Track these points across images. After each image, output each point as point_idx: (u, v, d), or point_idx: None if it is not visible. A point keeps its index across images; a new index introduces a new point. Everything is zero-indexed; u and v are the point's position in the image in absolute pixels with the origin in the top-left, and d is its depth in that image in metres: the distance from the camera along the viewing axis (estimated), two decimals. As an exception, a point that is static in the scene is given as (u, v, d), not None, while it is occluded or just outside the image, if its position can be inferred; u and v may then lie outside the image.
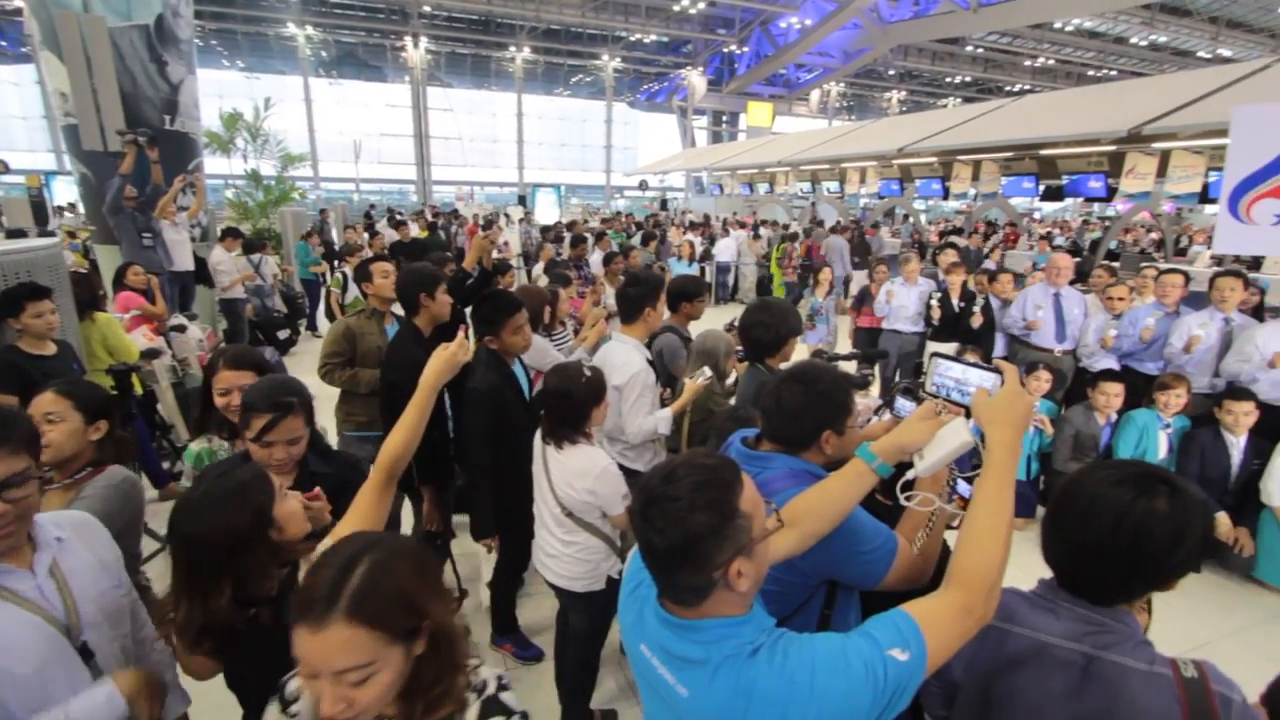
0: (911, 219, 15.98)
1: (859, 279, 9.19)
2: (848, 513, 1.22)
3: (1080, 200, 12.47)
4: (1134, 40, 26.76)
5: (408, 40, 24.90)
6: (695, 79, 28.52)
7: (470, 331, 3.07)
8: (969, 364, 1.32)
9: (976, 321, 5.11)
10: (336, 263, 9.31)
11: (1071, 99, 11.62)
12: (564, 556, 2.19)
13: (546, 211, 20.17)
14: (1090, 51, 28.04)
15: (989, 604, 0.98)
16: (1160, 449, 3.72)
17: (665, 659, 0.97)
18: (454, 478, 2.89)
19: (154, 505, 3.84)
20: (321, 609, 0.84)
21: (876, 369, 5.95)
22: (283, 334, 7.54)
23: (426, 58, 25.98)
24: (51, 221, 11.92)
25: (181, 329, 4.92)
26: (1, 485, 1.10)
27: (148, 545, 2.85)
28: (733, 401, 2.89)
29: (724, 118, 33.35)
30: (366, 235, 10.96)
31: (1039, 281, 5.10)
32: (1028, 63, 30.36)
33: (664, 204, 23.09)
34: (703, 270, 10.62)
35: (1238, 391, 3.63)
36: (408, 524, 3.26)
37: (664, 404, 2.84)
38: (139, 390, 4.06)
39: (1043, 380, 4.16)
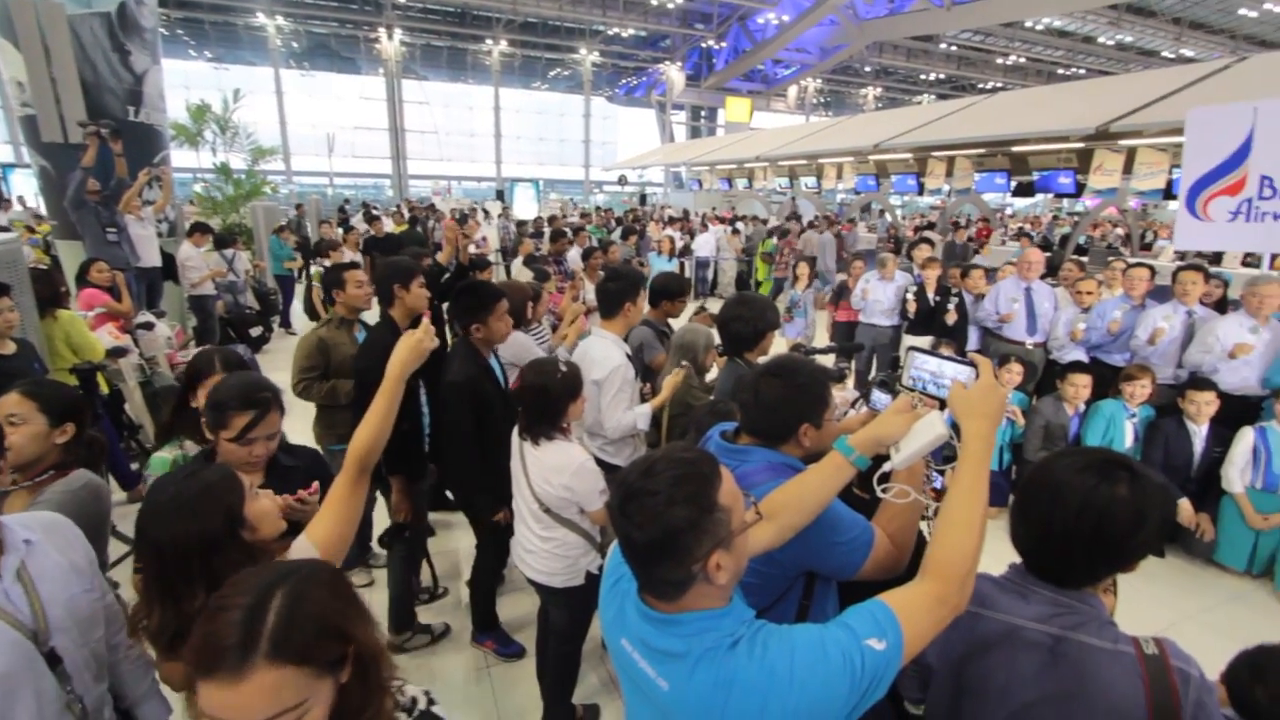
0: (888, 215, 16.19)
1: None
2: (826, 505, 1.23)
3: (1051, 196, 12.75)
4: (1101, 40, 27.41)
5: (381, 32, 24.44)
6: (673, 74, 28.48)
7: (434, 319, 3.05)
8: (944, 357, 1.34)
9: (951, 317, 5.20)
10: (314, 258, 9.15)
11: (1042, 97, 11.84)
12: (542, 552, 2.19)
13: (525, 206, 20.04)
14: (1060, 50, 28.65)
15: (963, 593, 1.00)
16: (1126, 438, 3.82)
17: (646, 653, 0.98)
18: (428, 475, 2.86)
19: (124, 508, 3.75)
20: (236, 657, 0.75)
21: (853, 362, 6.03)
22: (255, 331, 7.39)
23: (401, 50, 25.53)
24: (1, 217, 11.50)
25: (149, 326, 4.79)
26: None
27: (118, 548, 2.78)
28: (712, 396, 2.90)
29: (702, 113, 33.39)
30: (340, 230, 10.78)
31: (1010, 275, 5.20)
32: (1000, 61, 30.91)
33: (643, 199, 23.06)
34: (682, 266, 10.63)
35: (1199, 382, 3.74)
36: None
37: (644, 399, 2.84)
38: (105, 389, 3.96)
39: (1015, 373, 4.25)
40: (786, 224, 11.97)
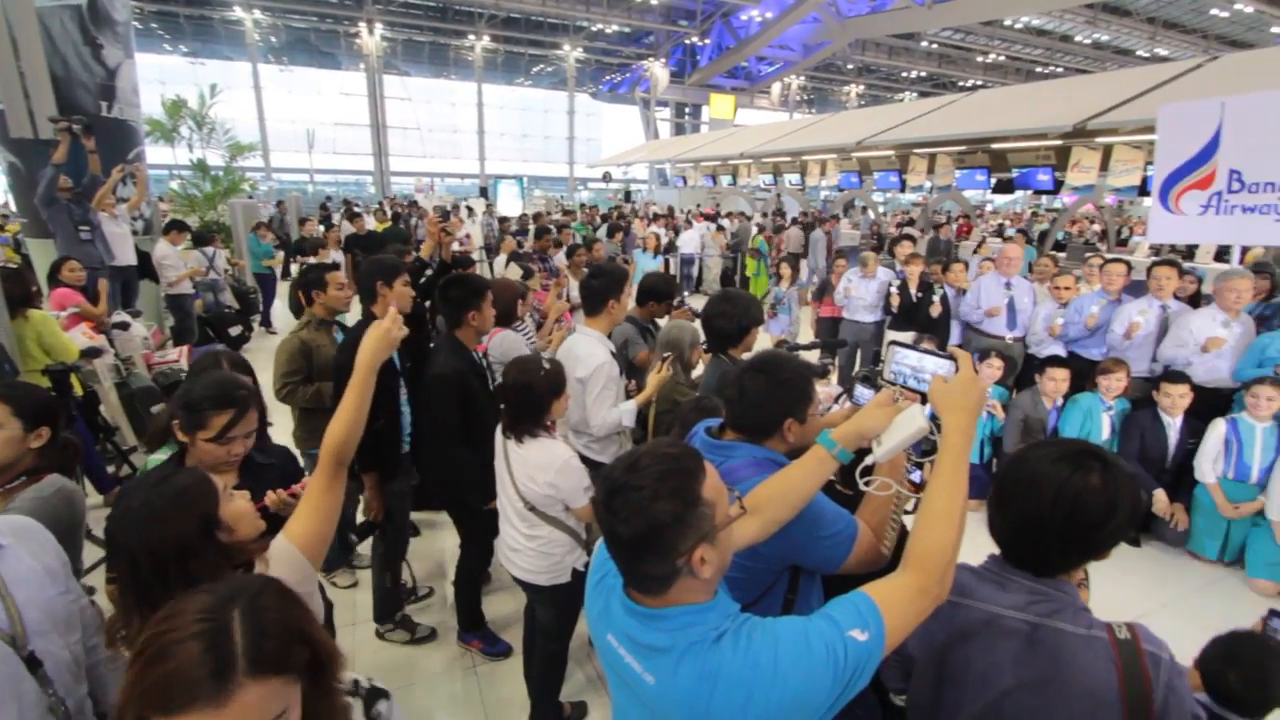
0: (871, 211, 16.31)
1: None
2: (809, 499, 1.24)
3: (1030, 193, 12.92)
4: (1079, 38, 27.85)
5: (362, 26, 24.14)
6: (657, 70, 28.45)
7: (416, 316, 3.03)
8: (925, 352, 1.35)
9: (936, 310, 5.26)
10: (295, 256, 9.01)
11: (1021, 94, 11.99)
12: (528, 550, 2.19)
13: (510, 203, 19.90)
14: (1038, 49, 29.06)
15: (944, 584, 1.02)
16: (1103, 430, 3.89)
17: (632, 648, 0.98)
18: (404, 474, 2.84)
19: (100, 511, 3.68)
20: (213, 686, 0.72)
21: (836, 358, 6.08)
22: (235, 330, 7.26)
23: (382, 45, 25.24)
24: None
25: (124, 326, 4.70)
26: None
27: (95, 552, 2.72)
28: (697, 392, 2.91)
29: (686, 109, 33.40)
30: (321, 227, 10.65)
31: (991, 271, 5.27)
32: (979, 59, 31.27)
33: (628, 195, 23.03)
34: (667, 263, 10.64)
35: (1173, 375, 3.82)
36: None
37: (629, 396, 2.84)
38: (79, 391, 3.87)
39: (995, 367, 4.31)
40: (780, 222, 12.02)
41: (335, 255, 7.95)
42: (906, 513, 1.49)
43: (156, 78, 20.88)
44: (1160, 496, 3.71)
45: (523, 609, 2.59)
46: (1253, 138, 3.58)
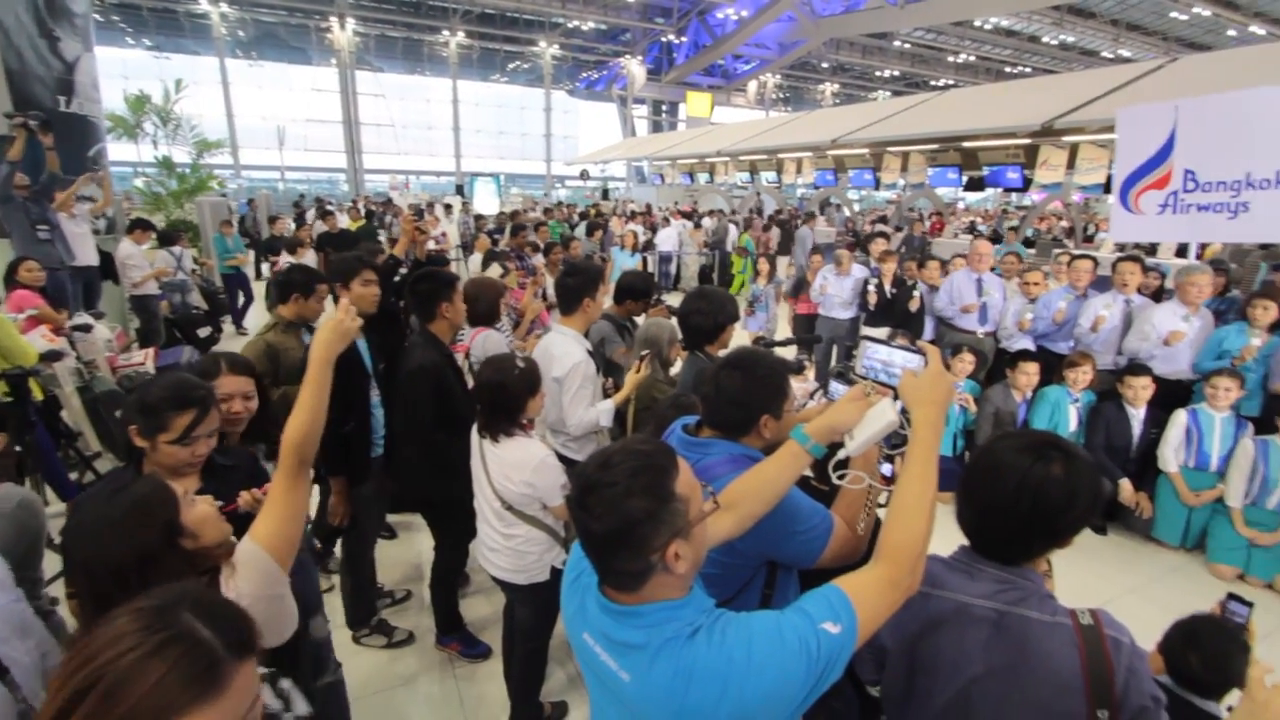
0: (845, 209, 16.50)
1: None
2: (784, 493, 1.25)
3: (1000, 190, 13.19)
4: (1046, 39, 28.51)
5: (333, 21, 23.69)
6: (634, 68, 28.43)
7: (389, 315, 2.99)
8: (895, 346, 1.37)
9: (914, 305, 5.34)
10: (265, 255, 8.81)
11: (990, 94, 12.23)
12: (505, 550, 2.17)
13: (486, 201, 19.73)
14: (1007, 49, 29.69)
15: (915, 575, 1.03)
16: (1071, 422, 3.99)
17: (607, 646, 0.98)
18: (373, 479, 2.80)
19: (61, 520, 3.56)
20: (209, 677, 0.73)
21: (813, 354, 6.14)
22: (204, 332, 7.09)
23: (354, 40, 24.80)
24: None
25: (87, 329, 4.56)
26: None
27: (57, 561, 2.64)
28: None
29: (664, 107, 33.43)
30: (293, 225, 10.44)
31: (962, 268, 5.37)
32: (951, 59, 31.82)
33: (605, 193, 22.99)
34: (645, 260, 10.64)
35: (1136, 367, 3.93)
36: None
37: (606, 394, 2.84)
38: (39, 396, 3.75)
39: (967, 361, 4.39)
40: (756, 219, 12.08)
41: (308, 255, 7.81)
42: (880, 506, 1.51)
43: (119, 72, 20.27)
44: (1125, 486, 3.82)
45: (501, 610, 2.57)
46: (1204, 139, 3.71)
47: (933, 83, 32.34)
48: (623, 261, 8.39)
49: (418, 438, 2.56)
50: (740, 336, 2.72)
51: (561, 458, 2.47)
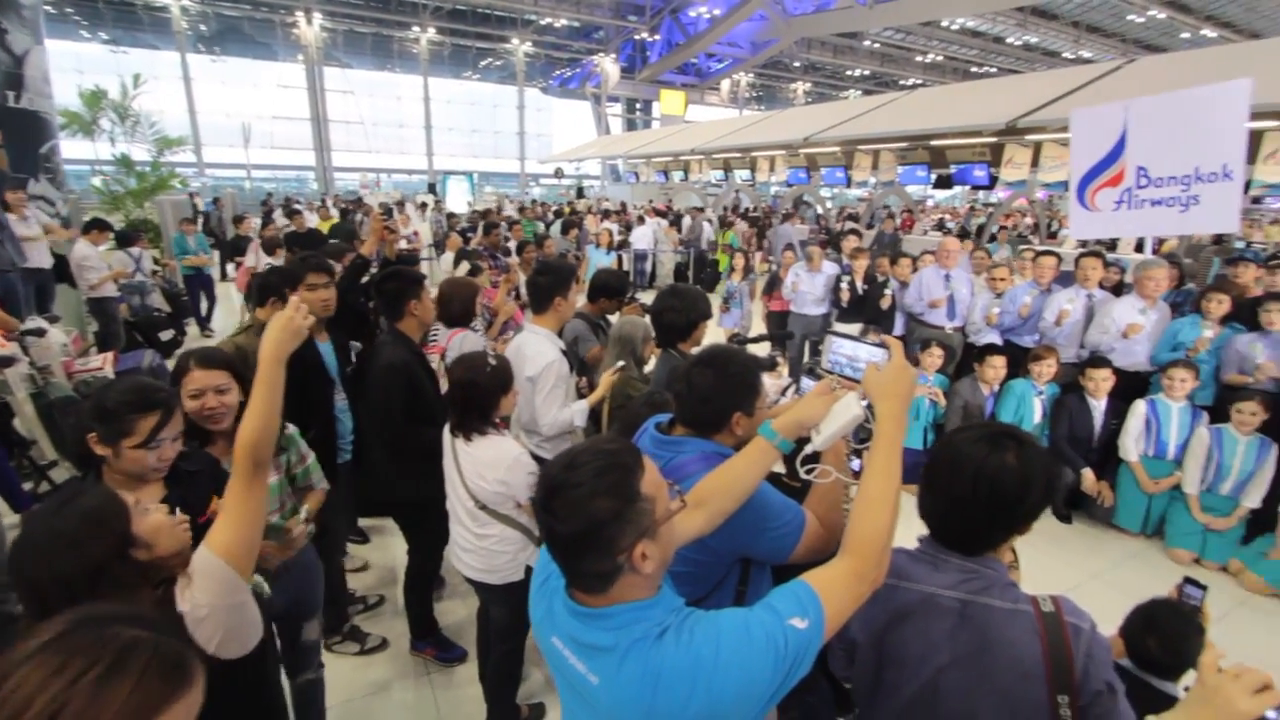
0: (819, 207, 16.67)
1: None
2: (753, 489, 1.26)
3: (968, 188, 13.44)
4: (1010, 40, 29.19)
5: (300, 15, 23.15)
6: (608, 65, 28.33)
7: (359, 316, 2.94)
8: (859, 341, 1.39)
9: (886, 302, 5.42)
10: (230, 256, 8.59)
11: (957, 93, 12.45)
12: (479, 550, 2.15)
13: (460, 199, 19.50)
14: (973, 49, 30.32)
15: (880, 568, 1.05)
16: (1035, 414, 4.09)
17: (576, 649, 0.97)
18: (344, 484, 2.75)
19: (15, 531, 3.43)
20: (180, 675, 0.75)
21: (786, 350, 6.20)
22: (166, 335, 6.89)
23: (321, 35, 24.27)
24: None
25: (40, 333, 4.39)
26: None
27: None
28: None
29: (638, 105, 33.40)
30: (258, 223, 10.19)
31: (931, 264, 5.46)
32: (919, 59, 32.36)
33: (580, 192, 22.89)
34: (620, 259, 10.63)
35: (1096, 360, 4.05)
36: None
37: (581, 395, 2.83)
38: (-11, 403, 3.61)
39: (935, 356, 4.47)
40: (732, 218, 12.11)
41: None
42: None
43: (73, 66, 19.55)
44: (1088, 475, 3.93)
45: (476, 612, 2.54)
46: (1154, 136, 3.83)
47: (902, 82, 32.85)
48: (598, 260, 8.36)
49: (389, 437, 2.52)
50: (715, 334, 2.73)
51: (536, 458, 2.45)
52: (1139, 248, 7.77)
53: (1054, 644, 1.07)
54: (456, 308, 3.21)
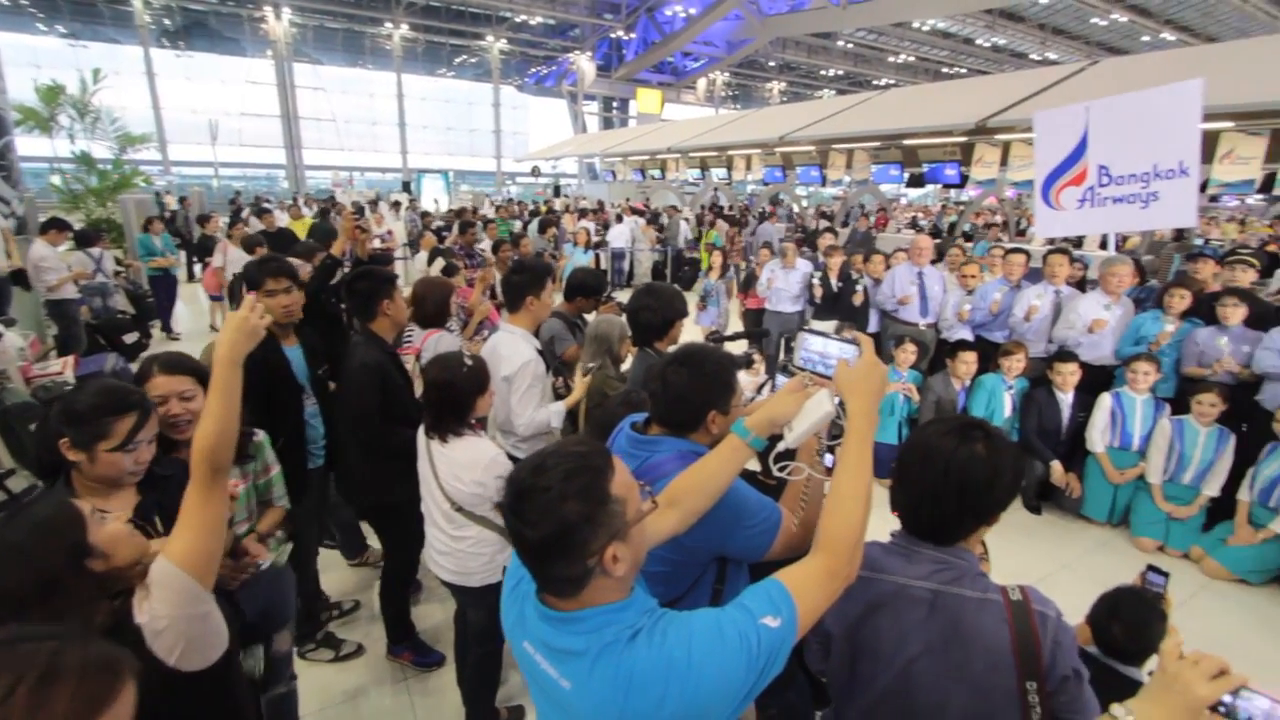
0: (793, 205, 16.81)
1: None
2: (726, 487, 1.26)
3: (940, 186, 13.67)
4: (979, 41, 29.79)
5: (268, 10, 22.63)
6: (584, 64, 28.23)
7: (330, 315, 2.89)
8: (830, 338, 1.39)
9: (859, 300, 5.48)
10: (196, 257, 8.34)
11: (928, 93, 12.64)
12: (456, 553, 2.13)
13: (436, 198, 19.26)
14: (944, 50, 30.89)
15: (852, 565, 1.05)
16: (1006, 408, 4.17)
17: (548, 654, 0.96)
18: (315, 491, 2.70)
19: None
20: (115, 680, 0.77)
21: (762, 348, 6.23)
22: (130, 338, 6.68)
23: (291, 30, 23.77)
24: None
25: (-5, 337, 4.24)
26: None
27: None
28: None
29: (614, 104, 33.35)
30: (225, 222, 9.95)
31: (904, 262, 5.54)
32: (891, 59, 32.84)
33: (557, 190, 22.78)
34: (597, 258, 10.60)
35: (1063, 354, 4.15)
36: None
37: (558, 395, 2.81)
38: (-60, 410, 3.47)
39: (909, 352, 4.54)
40: (712, 216, 12.14)
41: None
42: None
43: (29, 60, 18.89)
44: (1056, 467, 4.02)
45: (453, 616, 2.52)
46: (1114, 135, 3.94)
47: (875, 82, 33.29)
48: (576, 259, 8.33)
49: (365, 438, 2.48)
50: (693, 332, 2.73)
51: (512, 459, 2.43)
52: (1103, 245, 7.97)
53: (1022, 632, 1.09)
54: (431, 307, 3.17)
